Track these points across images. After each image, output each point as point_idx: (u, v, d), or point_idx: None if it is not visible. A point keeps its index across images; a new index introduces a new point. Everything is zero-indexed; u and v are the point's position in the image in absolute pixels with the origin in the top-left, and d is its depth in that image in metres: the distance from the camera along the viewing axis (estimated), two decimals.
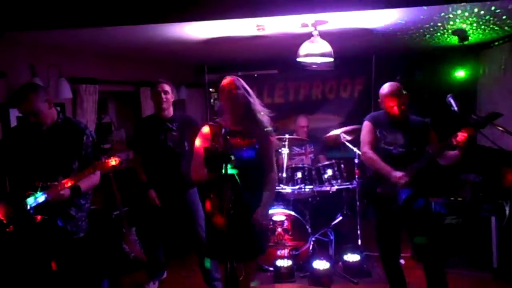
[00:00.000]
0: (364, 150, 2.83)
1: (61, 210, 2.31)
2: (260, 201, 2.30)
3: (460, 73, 4.90)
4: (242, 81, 2.31)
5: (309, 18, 2.93)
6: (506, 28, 3.58)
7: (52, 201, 2.20)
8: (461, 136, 2.26)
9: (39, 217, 2.23)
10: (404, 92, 2.70)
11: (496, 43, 4.35)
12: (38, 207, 2.21)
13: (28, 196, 2.19)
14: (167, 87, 3.15)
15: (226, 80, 2.30)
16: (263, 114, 2.32)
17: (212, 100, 6.44)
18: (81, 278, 2.42)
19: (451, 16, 3.01)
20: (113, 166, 2.30)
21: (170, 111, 3.20)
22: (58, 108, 2.45)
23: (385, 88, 2.75)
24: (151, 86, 3.23)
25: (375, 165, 2.76)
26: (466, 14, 2.97)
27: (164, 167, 3.16)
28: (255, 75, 5.68)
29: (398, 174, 2.62)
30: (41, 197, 2.19)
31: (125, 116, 5.35)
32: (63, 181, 2.22)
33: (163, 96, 3.10)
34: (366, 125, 2.87)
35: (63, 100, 3.68)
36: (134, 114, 5.03)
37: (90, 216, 3.43)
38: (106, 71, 4.26)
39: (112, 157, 2.31)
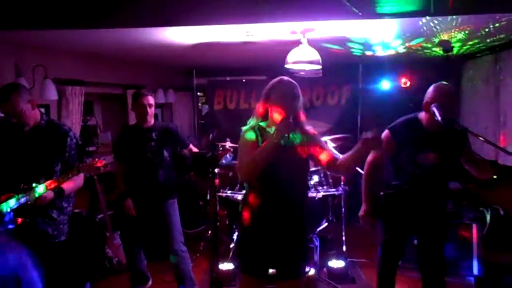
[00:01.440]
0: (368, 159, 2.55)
1: (43, 212, 2.27)
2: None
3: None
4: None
5: (298, 25, 2.97)
6: (488, 40, 3.68)
7: (34, 203, 2.15)
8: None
9: (19, 220, 2.18)
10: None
11: (479, 55, 4.46)
12: (20, 209, 2.15)
13: (9, 198, 2.14)
14: (151, 100, 3.11)
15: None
16: None
17: (200, 104, 6.44)
18: (62, 282, 2.38)
19: (436, 28, 3.08)
20: (97, 168, 2.27)
21: (151, 121, 3.17)
22: (42, 110, 2.42)
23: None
24: (134, 97, 3.13)
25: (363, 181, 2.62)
26: (450, 26, 3.05)
27: (142, 177, 3.13)
28: (243, 80, 5.70)
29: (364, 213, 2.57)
30: (23, 199, 2.14)
31: (112, 119, 5.30)
32: (46, 183, 2.18)
33: (148, 109, 3.07)
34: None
35: (48, 101, 3.63)
36: (121, 116, 4.99)
37: (73, 220, 3.38)
38: (93, 73, 4.22)
39: (97, 160, 2.28)
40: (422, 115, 2.42)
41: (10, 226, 2.13)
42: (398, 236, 2.63)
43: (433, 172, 2.40)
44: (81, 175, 2.38)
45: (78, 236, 3.44)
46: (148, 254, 3.55)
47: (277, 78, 2.18)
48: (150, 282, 3.56)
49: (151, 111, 3.10)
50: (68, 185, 2.29)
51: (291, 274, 2.15)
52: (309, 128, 2.21)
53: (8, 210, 2.12)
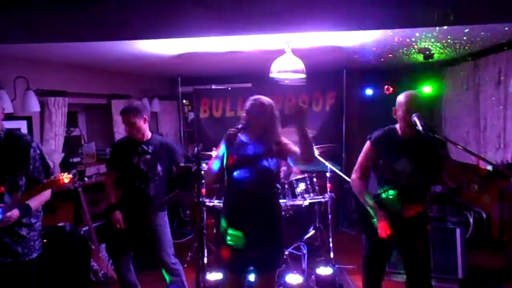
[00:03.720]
0: (352, 177, 2.59)
1: (10, 231, 2.14)
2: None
3: (427, 89, 5.11)
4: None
5: (282, 36, 3.00)
6: (466, 47, 3.78)
7: None
8: None
9: None
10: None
11: (459, 61, 4.57)
12: None
13: None
14: (132, 119, 2.98)
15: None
16: None
17: (186, 112, 6.41)
18: None
19: (417, 36, 3.15)
20: (64, 184, 2.16)
21: (146, 134, 3.10)
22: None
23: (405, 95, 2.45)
24: (120, 113, 3.09)
25: (360, 198, 2.55)
26: (430, 35, 3.13)
27: (132, 189, 3.10)
28: (229, 88, 5.71)
29: (382, 222, 2.40)
30: None
31: (96, 129, 5.24)
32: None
33: (128, 128, 3.03)
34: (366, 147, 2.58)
35: (30, 113, 3.58)
36: (106, 127, 4.94)
37: (54, 234, 3.30)
38: (76, 83, 4.17)
39: (63, 174, 2.16)
40: (397, 124, 2.51)
41: None
42: (381, 244, 2.60)
43: (411, 178, 2.44)
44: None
45: (60, 250, 3.40)
46: (137, 264, 3.51)
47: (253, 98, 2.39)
48: None
49: (134, 127, 3.01)
50: (35, 201, 2.18)
51: (266, 268, 2.38)
52: (282, 139, 2.48)
53: None
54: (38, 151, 2.25)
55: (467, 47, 3.76)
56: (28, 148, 2.20)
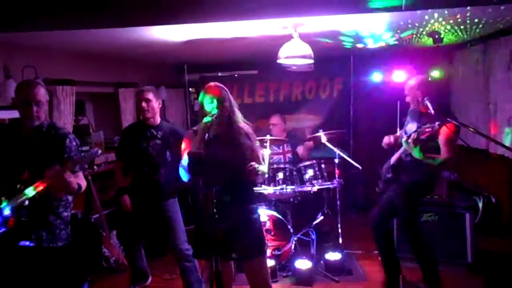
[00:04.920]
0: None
1: (38, 215, 2.18)
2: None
3: (435, 73, 5.04)
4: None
5: (289, 20, 2.96)
6: (477, 30, 3.71)
7: (53, 191, 2.07)
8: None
9: (11, 222, 2.09)
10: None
11: (469, 45, 4.50)
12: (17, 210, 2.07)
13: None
14: (149, 95, 3.06)
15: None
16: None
17: (192, 100, 6.40)
18: (58, 285, 2.34)
19: (426, 19, 3.10)
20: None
21: (156, 119, 3.13)
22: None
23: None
24: (136, 94, 3.17)
25: None
26: (441, 18, 3.07)
27: (142, 174, 3.12)
28: (236, 75, 5.68)
29: None
30: (18, 200, 2.04)
31: (104, 118, 5.26)
32: (35, 184, 2.05)
33: (144, 104, 3.04)
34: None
35: None
36: (113, 115, 4.95)
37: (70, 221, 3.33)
38: (84, 72, 4.18)
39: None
40: None
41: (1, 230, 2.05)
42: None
43: None
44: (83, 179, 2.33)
45: (74, 237, 3.45)
46: (147, 251, 3.55)
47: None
48: (149, 280, 3.56)
49: (148, 106, 3.05)
50: (82, 181, 2.26)
51: (249, 254, 2.36)
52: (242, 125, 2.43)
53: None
54: (74, 143, 2.30)
55: (478, 30, 3.70)
56: (65, 138, 2.26)
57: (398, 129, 3.28)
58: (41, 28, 2.65)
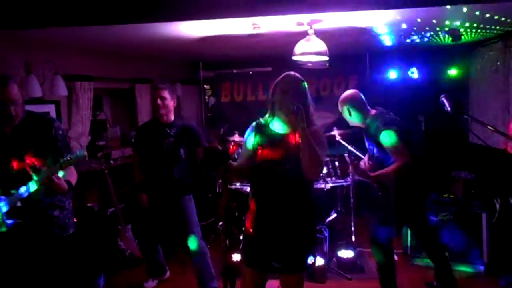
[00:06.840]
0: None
1: (44, 215, 2.16)
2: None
3: (453, 72, 4.97)
4: None
5: (304, 17, 2.96)
6: (498, 27, 3.64)
7: (48, 187, 2.01)
8: None
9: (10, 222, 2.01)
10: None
11: (488, 42, 4.41)
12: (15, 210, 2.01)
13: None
14: (164, 93, 3.09)
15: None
16: None
17: (206, 97, 6.45)
18: (75, 274, 2.37)
19: (445, 16, 3.05)
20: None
21: (170, 117, 3.16)
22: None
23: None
24: (152, 90, 3.21)
25: None
26: (460, 15, 3.02)
27: (157, 172, 3.16)
28: (250, 73, 5.70)
29: None
30: (33, 186, 1.98)
31: (120, 113, 5.34)
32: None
33: (159, 102, 3.08)
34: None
35: (58, 97, 3.67)
36: (130, 111, 5.03)
37: (86, 213, 3.42)
38: (101, 68, 4.25)
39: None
40: None
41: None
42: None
43: None
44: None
45: (90, 229, 3.53)
46: (164, 245, 3.60)
47: (284, 74, 2.13)
48: (167, 274, 3.61)
49: (163, 103, 3.08)
50: (72, 177, 2.18)
51: (293, 268, 2.13)
52: (316, 124, 2.21)
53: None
54: (60, 131, 2.22)
55: (498, 27, 3.62)
56: (50, 124, 2.18)
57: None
58: (61, 24, 2.70)
